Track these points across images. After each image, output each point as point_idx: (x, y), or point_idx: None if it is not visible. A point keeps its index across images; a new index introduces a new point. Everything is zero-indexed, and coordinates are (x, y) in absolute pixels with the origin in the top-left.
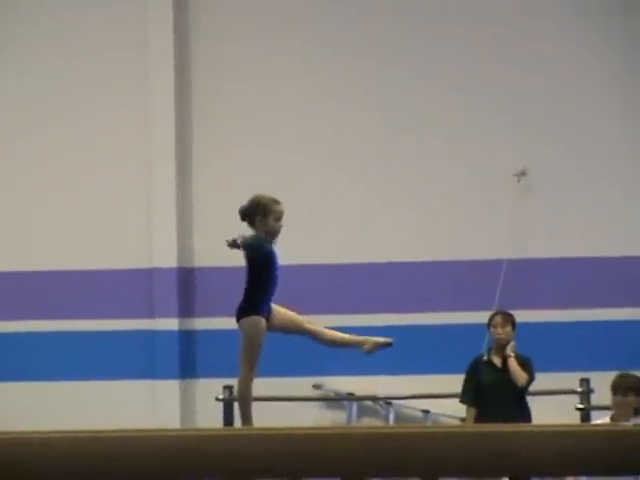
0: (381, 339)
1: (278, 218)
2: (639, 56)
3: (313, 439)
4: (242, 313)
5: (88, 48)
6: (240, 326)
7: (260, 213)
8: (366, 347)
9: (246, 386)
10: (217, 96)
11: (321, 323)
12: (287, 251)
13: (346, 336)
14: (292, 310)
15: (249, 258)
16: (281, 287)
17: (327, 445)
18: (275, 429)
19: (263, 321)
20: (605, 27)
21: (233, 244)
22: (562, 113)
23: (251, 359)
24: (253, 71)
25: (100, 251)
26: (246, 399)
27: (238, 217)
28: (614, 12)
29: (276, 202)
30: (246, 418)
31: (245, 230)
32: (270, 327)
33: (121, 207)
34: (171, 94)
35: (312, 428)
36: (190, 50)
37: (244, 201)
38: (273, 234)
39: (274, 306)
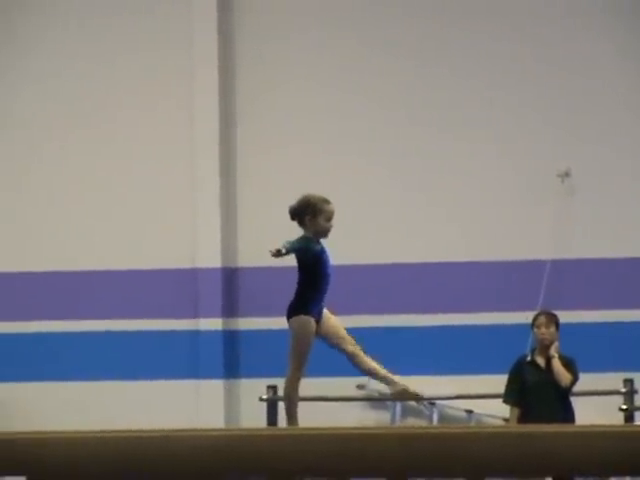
0: (411, 389)
1: (328, 218)
2: None
3: (356, 439)
4: (292, 312)
5: (132, 48)
6: (290, 325)
7: (310, 213)
8: (394, 390)
9: (293, 386)
10: (261, 97)
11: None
12: (331, 251)
13: (382, 371)
14: (342, 325)
15: (300, 260)
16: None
17: (370, 445)
18: (318, 429)
19: (313, 322)
20: None
21: (277, 254)
22: (605, 113)
23: (299, 359)
24: (296, 72)
25: (145, 251)
26: (292, 399)
27: (282, 217)
28: None
29: (326, 202)
30: (291, 417)
31: (288, 231)
32: (317, 332)
33: (165, 207)
34: (215, 95)
35: (355, 428)
36: (234, 51)
37: (287, 201)
38: (323, 234)
39: (326, 312)
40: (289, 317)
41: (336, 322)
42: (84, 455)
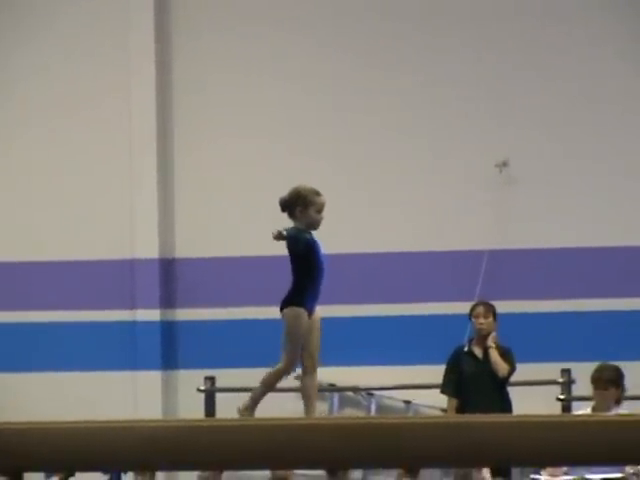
0: None
1: (319, 210)
2: (615, 42)
3: (293, 430)
4: (285, 303)
5: (69, 43)
6: (283, 316)
7: (301, 204)
8: None
9: (276, 378)
10: (198, 89)
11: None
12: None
13: (311, 407)
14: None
15: (291, 250)
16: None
17: (308, 436)
18: (256, 420)
19: (305, 314)
20: (580, 14)
21: (279, 236)
22: (544, 103)
23: (291, 352)
24: (234, 64)
25: (82, 242)
26: (267, 388)
27: (219, 208)
28: None
29: (317, 193)
30: (254, 403)
31: (225, 222)
32: None
33: (103, 198)
34: (152, 87)
35: (292, 419)
36: (171, 44)
37: (224, 192)
38: (314, 225)
39: (317, 320)
40: (282, 308)
41: (318, 334)
42: (21, 446)
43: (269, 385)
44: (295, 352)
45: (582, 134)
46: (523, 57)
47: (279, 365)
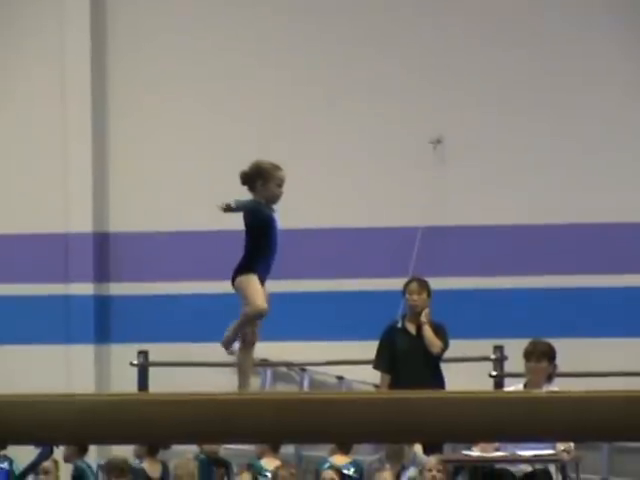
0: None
1: (279, 184)
2: (548, 9)
3: (226, 404)
4: (237, 273)
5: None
6: (236, 287)
7: (262, 178)
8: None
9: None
10: (134, 56)
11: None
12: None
13: (246, 374)
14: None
15: (247, 223)
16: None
17: (240, 411)
18: (189, 394)
19: (254, 276)
20: None
21: (227, 208)
22: (478, 80)
23: (248, 315)
24: (172, 31)
25: (15, 215)
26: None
27: (154, 182)
28: None
29: (278, 168)
30: (234, 335)
31: (160, 196)
32: None
33: (36, 172)
34: (87, 55)
35: (225, 394)
36: (106, 10)
37: (159, 167)
38: (274, 199)
39: (266, 292)
40: (234, 279)
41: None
42: None
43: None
44: (251, 313)
45: (516, 111)
46: (458, 33)
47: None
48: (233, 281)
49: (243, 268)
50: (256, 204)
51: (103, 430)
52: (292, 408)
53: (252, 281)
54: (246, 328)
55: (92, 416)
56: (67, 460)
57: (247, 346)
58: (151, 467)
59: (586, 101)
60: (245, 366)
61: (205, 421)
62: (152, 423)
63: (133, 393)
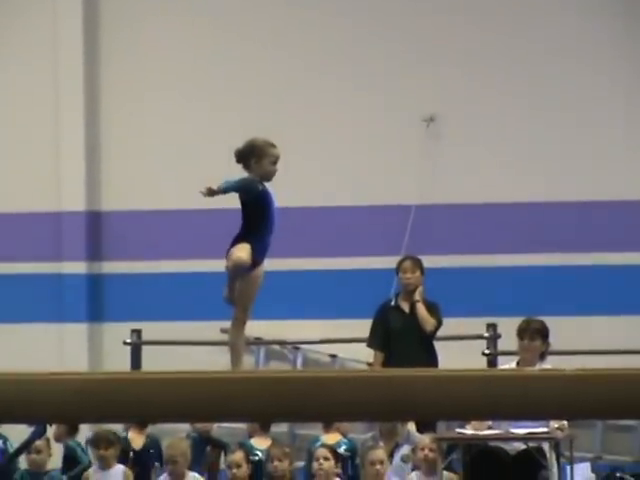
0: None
1: (274, 161)
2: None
3: (218, 383)
4: (232, 247)
5: None
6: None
7: (256, 155)
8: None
9: (242, 321)
10: (126, 39)
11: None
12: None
13: (238, 354)
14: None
15: (243, 200)
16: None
17: (233, 388)
18: (182, 372)
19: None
20: None
21: (209, 193)
22: (471, 59)
23: (242, 290)
24: (162, 13)
25: (7, 194)
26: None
27: (146, 161)
28: None
29: (272, 145)
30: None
31: (152, 175)
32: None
33: (29, 150)
34: (80, 34)
35: (219, 372)
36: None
37: (152, 145)
38: (267, 177)
39: (261, 269)
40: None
41: (256, 291)
42: None
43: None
44: (245, 288)
45: (510, 90)
46: (451, 12)
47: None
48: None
49: (238, 242)
50: (250, 181)
51: (96, 409)
52: (285, 386)
53: (240, 245)
54: (234, 281)
55: (85, 395)
56: (58, 439)
57: (239, 324)
58: (135, 439)
59: (578, 80)
60: (237, 345)
61: (198, 400)
62: (145, 402)
63: (126, 372)
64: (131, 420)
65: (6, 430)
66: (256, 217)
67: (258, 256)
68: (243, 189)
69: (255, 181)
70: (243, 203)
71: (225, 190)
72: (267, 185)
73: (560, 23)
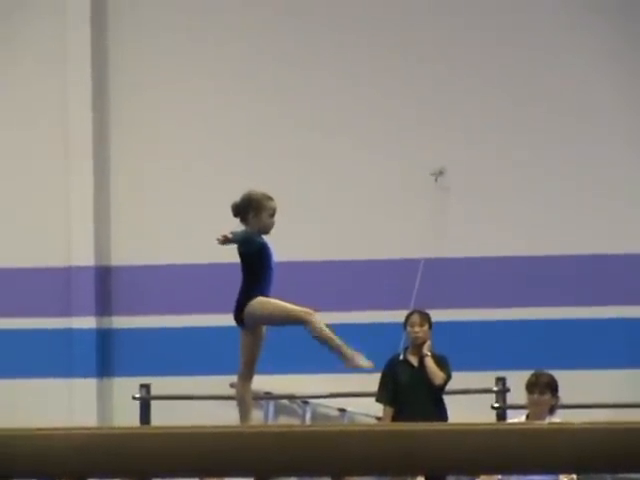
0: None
1: (271, 214)
2: (549, 51)
3: (227, 437)
4: (240, 308)
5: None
6: (247, 317)
7: (253, 209)
8: (346, 360)
9: (314, 315)
10: (136, 91)
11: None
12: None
13: (245, 411)
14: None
15: (242, 253)
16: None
17: (242, 443)
18: (189, 427)
19: (260, 296)
20: (518, 27)
21: (225, 240)
22: (480, 113)
23: (293, 309)
24: (174, 63)
25: (17, 249)
26: (330, 334)
27: (155, 216)
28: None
29: (269, 198)
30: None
31: (161, 231)
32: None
33: (38, 206)
34: (89, 90)
35: (227, 426)
36: (107, 47)
37: (161, 200)
38: (266, 230)
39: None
40: (238, 314)
41: (261, 346)
42: None
43: (326, 334)
44: (288, 308)
45: (518, 144)
46: (460, 65)
47: (305, 320)
48: (237, 316)
49: (246, 299)
50: (248, 234)
51: (106, 464)
52: (294, 441)
53: (263, 301)
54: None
55: (95, 450)
56: None
57: (245, 379)
58: None
59: (588, 134)
60: (245, 399)
61: (207, 454)
62: (154, 457)
63: (134, 427)
64: (140, 475)
65: None
66: (256, 270)
67: None
68: (242, 241)
69: (255, 234)
70: (242, 255)
71: (233, 240)
72: (265, 238)
73: (568, 79)
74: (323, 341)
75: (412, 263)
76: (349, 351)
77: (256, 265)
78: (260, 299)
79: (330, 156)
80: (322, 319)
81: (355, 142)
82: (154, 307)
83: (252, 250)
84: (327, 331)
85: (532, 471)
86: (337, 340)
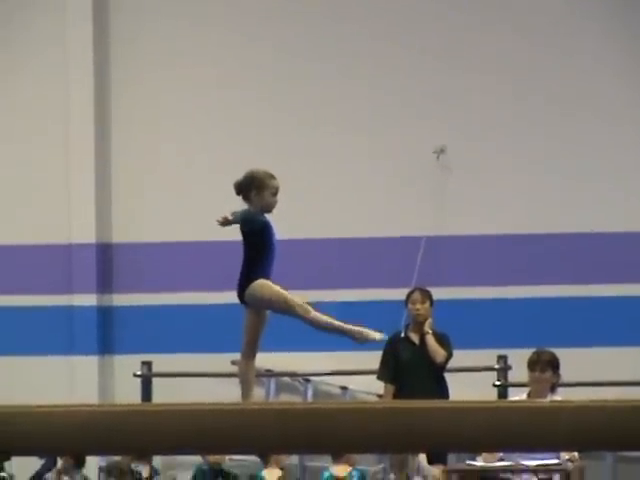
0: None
1: (274, 193)
2: (551, 33)
3: (228, 414)
4: (243, 286)
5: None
6: (248, 298)
7: (256, 187)
8: (356, 336)
9: (310, 312)
10: (137, 71)
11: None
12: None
13: (336, 323)
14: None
15: (245, 232)
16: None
17: (243, 420)
18: (190, 404)
19: (264, 279)
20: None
21: (225, 222)
22: (481, 90)
23: (291, 302)
24: (172, 49)
25: (19, 226)
26: (329, 320)
27: (156, 193)
28: None
29: (272, 177)
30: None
31: (162, 207)
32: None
33: (39, 183)
34: (90, 64)
35: (228, 404)
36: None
37: (161, 178)
38: (268, 209)
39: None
40: (242, 293)
41: (264, 324)
42: None
43: (324, 319)
44: (294, 301)
45: (519, 121)
46: (461, 44)
47: (303, 316)
48: (241, 294)
49: (247, 279)
50: (250, 213)
51: (107, 441)
52: (296, 418)
53: (265, 285)
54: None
55: (96, 427)
56: (65, 472)
57: (248, 357)
58: (143, 470)
59: (586, 111)
60: (247, 377)
61: (209, 431)
62: (156, 434)
63: (136, 404)
64: (142, 452)
65: (17, 462)
66: (259, 248)
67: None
68: (245, 220)
69: (257, 213)
70: (244, 234)
71: (234, 220)
72: (267, 216)
73: (569, 57)
74: (328, 329)
75: (414, 241)
76: (355, 328)
77: (258, 244)
78: (262, 282)
79: (331, 135)
80: (318, 314)
81: (356, 120)
82: (155, 284)
83: (254, 229)
84: (326, 319)
85: (533, 448)
86: (338, 323)
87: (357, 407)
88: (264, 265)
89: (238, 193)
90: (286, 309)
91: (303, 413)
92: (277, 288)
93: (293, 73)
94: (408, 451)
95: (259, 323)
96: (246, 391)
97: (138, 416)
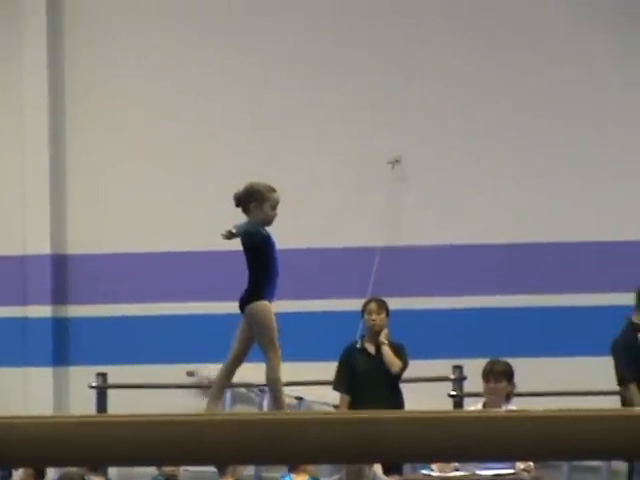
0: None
1: (273, 206)
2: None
3: (185, 425)
4: (247, 300)
5: None
6: (247, 314)
7: (255, 200)
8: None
9: (276, 373)
10: (91, 83)
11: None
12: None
13: (279, 388)
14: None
15: (247, 244)
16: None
17: (198, 431)
18: (150, 415)
19: (269, 304)
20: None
21: (230, 235)
22: (436, 101)
23: (273, 344)
24: (125, 51)
25: None
26: (280, 386)
27: (112, 204)
28: None
29: (272, 190)
30: (280, 403)
31: (118, 219)
32: None
33: None
34: (44, 77)
35: (183, 415)
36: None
37: (117, 189)
38: (267, 222)
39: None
40: (243, 305)
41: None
42: None
43: (277, 384)
44: (276, 343)
45: (474, 132)
46: (415, 54)
47: (270, 363)
48: (243, 305)
49: (253, 295)
50: (251, 226)
51: (62, 453)
52: (251, 429)
53: (271, 323)
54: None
55: (50, 439)
56: None
57: (231, 372)
58: None
59: (541, 119)
60: (219, 390)
61: (163, 442)
62: (111, 445)
63: (91, 415)
64: (97, 463)
65: None
66: (261, 262)
67: (269, 297)
68: (248, 233)
69: (259, 225)
70: (246, 247)
71: (237, 234)
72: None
73: (527, 61)
74: (273, 399)
75: (369, 251)
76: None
77: (262, 256)
78: (266, 308)
79: (287, 145)
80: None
81: (312, 131)
82: (110, 296)
83: (257, 241)
84: (282, 397)
85: (488, 459)
86: (282, 401)
87: (313, 418)
88: (270, 278)
89: (237, 205)
90: (264, 345)
91: (259, 424)
92: (274, 324)
93: (253, 82)
94: (363, 462)
95: (250, 340)
96: (213, 401)
97: (93, 427)
